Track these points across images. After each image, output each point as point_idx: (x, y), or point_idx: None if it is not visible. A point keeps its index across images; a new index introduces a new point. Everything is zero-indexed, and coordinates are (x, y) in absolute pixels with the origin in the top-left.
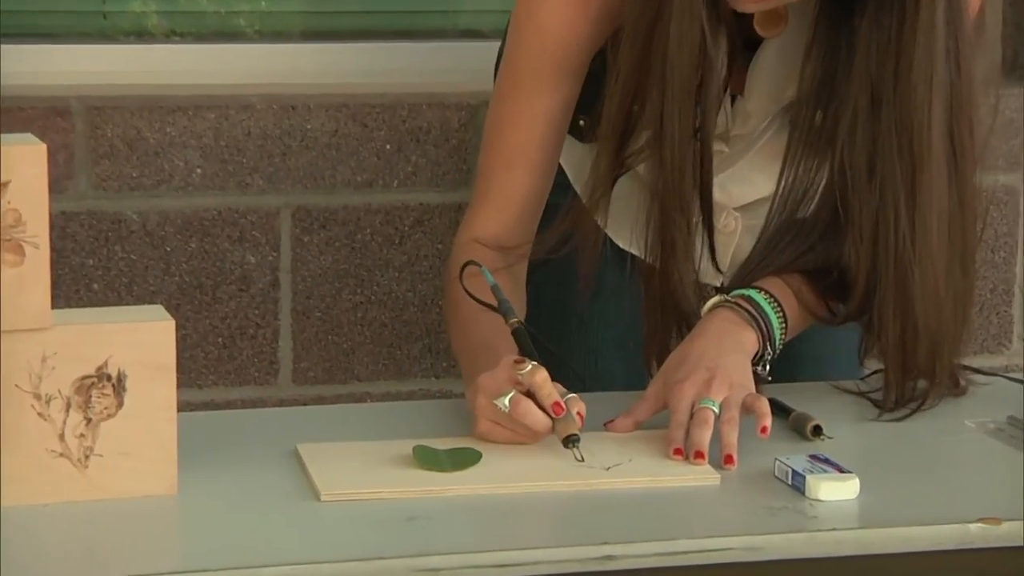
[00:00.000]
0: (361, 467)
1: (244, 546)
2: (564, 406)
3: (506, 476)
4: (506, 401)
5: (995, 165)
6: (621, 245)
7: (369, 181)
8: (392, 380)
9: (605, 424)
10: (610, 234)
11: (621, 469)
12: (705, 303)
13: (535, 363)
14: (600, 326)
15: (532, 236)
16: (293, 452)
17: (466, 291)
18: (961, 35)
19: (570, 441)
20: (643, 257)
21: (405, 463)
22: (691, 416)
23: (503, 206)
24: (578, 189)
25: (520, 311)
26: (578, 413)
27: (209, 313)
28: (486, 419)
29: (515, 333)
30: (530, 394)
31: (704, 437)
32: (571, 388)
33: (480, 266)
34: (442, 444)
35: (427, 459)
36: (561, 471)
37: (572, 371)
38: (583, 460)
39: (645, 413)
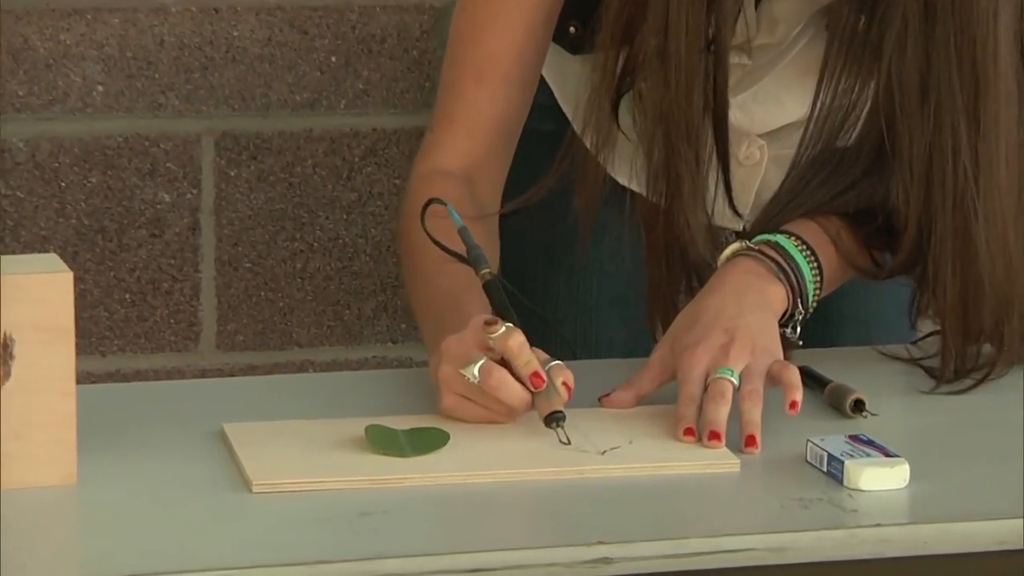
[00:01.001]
0: (302, 451)
1: (157, 549)
2: (546, 376)
3: (478, 462)
4: (475, 370)
5: None
6: (620, 181)
7: (310, 101)
8: (339, 346)
9: (600, 398)
10: (606, 167)
11: (619, 453)
12: (721, 251)
13: (510, 324)
14: (594, 280)
15: (506, 167)
16: (218, 433)
17: (428, 235)
18: None
19: (554, 419)
20: (646, 196)
21: (356, 446)
22: (705, 388)
23: (472, 130)
24: (566, 111)
25: (493, 261)
26: (564, 384)
27: (114, 264)
28: (452, 393)
29: (487, 287)
30: (505, 362)
31: (720, 414)
32: (558, 355)
33: (445, 204)
34: (401, 423)
35: (383, 441)
36: (545, 456)
37: (559, 334)
38: (570, 443)
39: (648, 385)
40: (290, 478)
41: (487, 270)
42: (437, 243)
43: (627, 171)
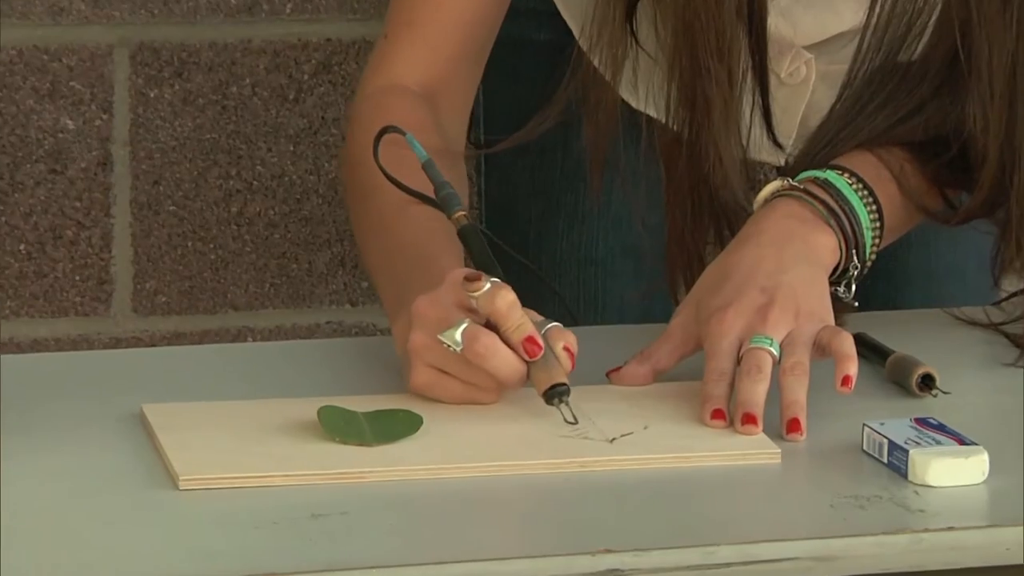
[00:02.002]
0: (240, 439)
1: (62, 560)
2: (543, 342)
3: (457, 452)
4: (457, 336)
5: None
6: (633, 104)
7: (248, 4)
8: (285, 308)
9: (607, 373)
10: (619, 89)
11: (631, 442)
12: (758, 192)
13: (496, 279)
14: (600, 227)
15: (475, 85)
16: (136, 417)
17: (383, 171)
18: None
19: (556, 394)
20: (665, 123)
21: (306, 433)
22: (737, 361)
23: (435, 37)
24: (568, 18)
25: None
26: (565, 350)
27: (5, 207)
28: (425, 366)
29: (464, 233)
30: (491, 327)
31: (757, 392)
32: (557, 319)
33: (403, 133)
34: (362, 404)
35: (339, 427)
36: (541, 445)
37: (556, 294)
38: (577, 422)
39: (668, 357)
40: (225, 472)
41: (462, 212)
42: (395, 181)
43: (643, 94)
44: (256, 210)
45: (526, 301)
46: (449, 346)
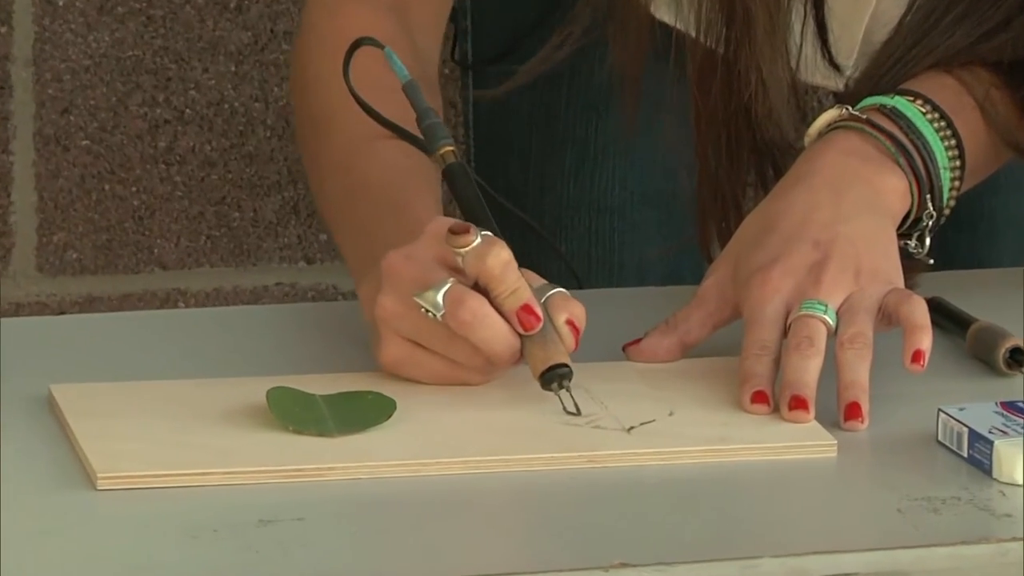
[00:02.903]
0: (170, 427)
1: None
2: (541, 312)
3: (438, 445)
4: (438, 299)
5: None
6: (660, 18)
7: None
8: (225, 267)
9: (625, 347)
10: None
11: (654, 431)
12: (811, 123)
13: (487, 233)
14: (617, 168)
15: None
16: (43, 399)
17: (355, 96)
18: None
19: (555, 377)
20: (697, 38)
21: (253, 420)
22: (785, 332)
23: None
24: None
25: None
26: (568, 324)
27: None
28: (398, 336)
29: (450, 173)
30: (480, 290)
31: (808, 370)
32: (560, 281)
33: (382, 47)
34: (321, 385)
35: (293, 413)
36: (541, 435)
37: (559, 250)
38: (580, 413)
39: (699, 326)
40: (152, 469)
41: (449, 147)
42: (371, 109)
43: (671, 4)
44: (189, 145)
45: (524, 260)
46: (428, 311)
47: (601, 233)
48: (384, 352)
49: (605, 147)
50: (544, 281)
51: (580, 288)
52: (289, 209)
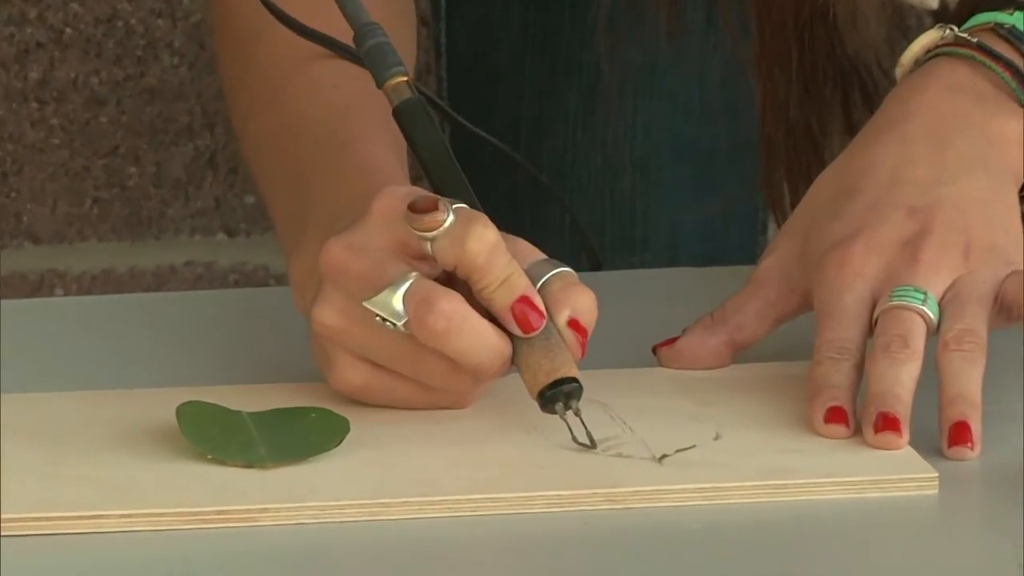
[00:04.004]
0: (46, 456)
1: None
2: (543, 307)
3: (407, 479)
4: (395, 303)
5: None
6: None
7: None
8: (118, 241)
9: (655, 348)
10: None
11: (694, 460)
12: (905, 48)
13: (461, 205)
14: (640, 109)
15: None
16: None
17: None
18: None
19: (561, 396)
20: None
21: (159, 445)
22: (871, 328)
23: None
24: None
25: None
26: (571, 325)
27: None
28: (350, 356)
29: (404, 114)
30: (456, 282)
31: (901, 380)
32: (568, 258)
33: None
34: (249, 399)
35: (212, 437)
36: (545, 465)
37: (570, 213)
38: (593, 446)
39: (756, 321)
40: (23, 511)
41: (402, 76)
42: (289, 19)
43: None
44: (69, 76)
45: (513, 227)
46: (384, 321)
47: (618, 196)
48: (335, 378)
49: (624, 81)
50: (541, 255)
51: (591, 270)
52: (204, 163)
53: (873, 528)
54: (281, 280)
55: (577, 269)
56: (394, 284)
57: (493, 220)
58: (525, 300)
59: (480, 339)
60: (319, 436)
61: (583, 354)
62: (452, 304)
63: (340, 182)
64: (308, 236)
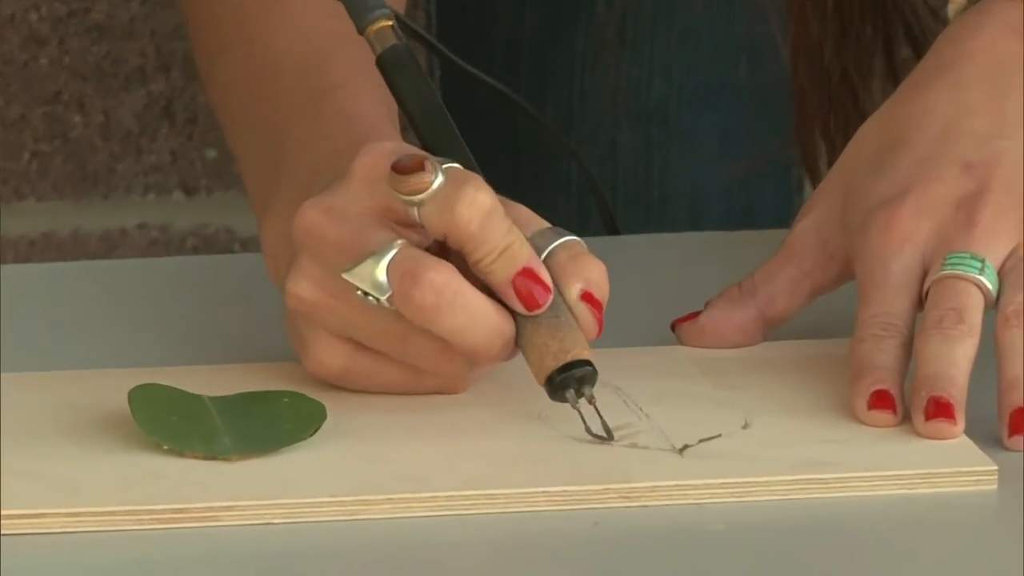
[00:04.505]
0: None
1: None
2: (549, 280)
3: (391, 474)
4: (379, 274)
5: None
6: None
7: None
8: (59, 200)
9: (675, 324)
10: None
11: (719, 452)
12: None
13: (454, 164)
14: (657, 54)
15: None
16: None
17: None
18: None
19: (572, 381)
20: None
21: (108, 434)
22: (921, 300)
23: None
24: None
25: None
26: (585, 299)
27: None
28: (328, 335)
29: (387, 63)
30: (448, 251)
31: (956, 360)
32: (578, 227)
33: None
34: (211, 382)
35: (169, 424)
36: (552, 456)
37: (582, 165)
38: (612, 437)
39: (790, 293)
40: None
41: (386, 21)
42: None
43: None
44: (4, 11)
45: (513, 183)
46: (366, 295)
47: (632, 149)
48: (311, 360)
49: (638, 16)
50: (544, 223)
51: (614, 233)
52: (159, 110)
53: (923, 529)
54: (247, 245)
55: (588, 234)
56: (377, 253)
57: (491, 176)
58: (528, 272)
59: (475, 316)
60: (292, 424)
61: (599, 332)
62: (442, 276)
63: (319, 133)
64: (283, 195)
